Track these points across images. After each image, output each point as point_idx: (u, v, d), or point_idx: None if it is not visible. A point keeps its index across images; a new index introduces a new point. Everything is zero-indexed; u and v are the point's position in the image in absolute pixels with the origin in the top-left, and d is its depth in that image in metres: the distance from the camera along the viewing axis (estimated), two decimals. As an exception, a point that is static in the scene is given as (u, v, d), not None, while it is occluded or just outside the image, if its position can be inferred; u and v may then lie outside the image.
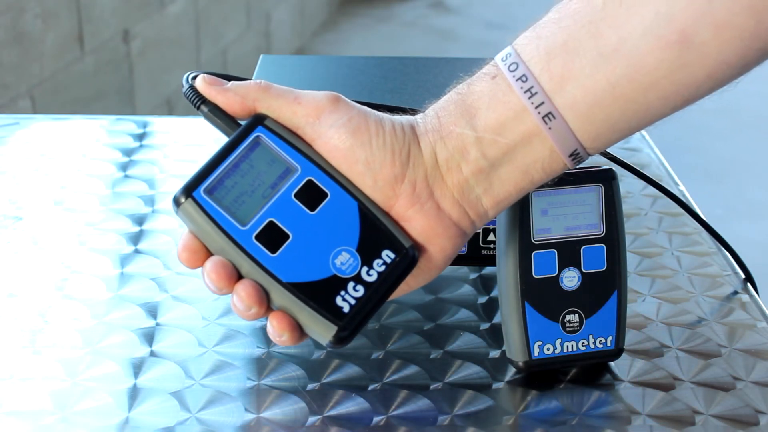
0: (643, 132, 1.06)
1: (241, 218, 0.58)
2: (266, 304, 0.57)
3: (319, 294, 0.57)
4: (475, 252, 0.73)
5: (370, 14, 4.35)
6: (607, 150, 0.70)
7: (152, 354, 0.70)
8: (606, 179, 0.66)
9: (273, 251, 0.58)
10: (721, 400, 0.66)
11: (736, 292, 0.79)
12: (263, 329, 0.73)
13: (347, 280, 0.58)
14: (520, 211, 0.65)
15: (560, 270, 0.66)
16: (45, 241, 0.84)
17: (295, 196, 0.58)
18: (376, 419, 0.64)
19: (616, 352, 0.68)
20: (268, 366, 0.69)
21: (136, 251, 0.83)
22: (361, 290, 0.58)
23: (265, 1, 3.34)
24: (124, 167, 0.97)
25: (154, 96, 2.50)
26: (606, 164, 0.69)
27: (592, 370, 0.69)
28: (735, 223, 2.62)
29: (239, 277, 0.58)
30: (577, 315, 0.66)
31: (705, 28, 0.53)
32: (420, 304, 0.77)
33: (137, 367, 0.69)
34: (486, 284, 0.79)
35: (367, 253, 0.58)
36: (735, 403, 0.66)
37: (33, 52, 1.92)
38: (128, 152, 1.01)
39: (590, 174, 0.66)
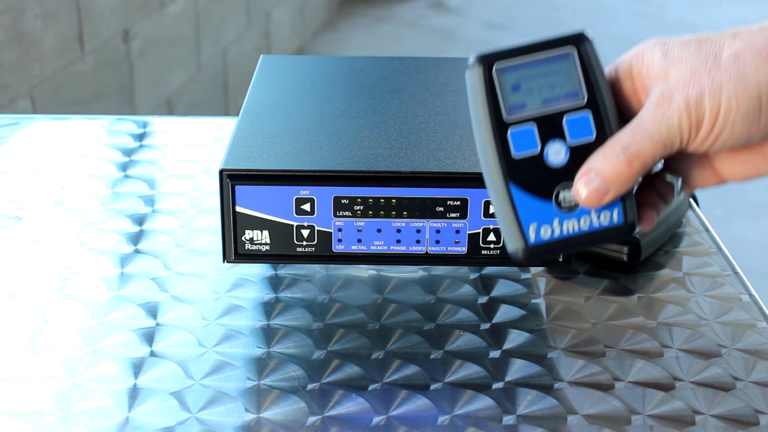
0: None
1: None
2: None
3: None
4: (475, 252, 0.73)
5: (370, 14, 4.35)
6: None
7: (152, 354, 0.70)
8: (577, 41, 0.60)
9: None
10: (721, 400, 0.66)
11: (736, 292, 0.79)
12: (263, 329, 0.73)
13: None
14: (485, 90, 0.60)
15: (543, 145, 0.60)
16: (45, 241, 0.84)
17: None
18: (376, 419, 0.64)
19: (627, 229, 0.59)
20: (268, 366, 0.69)
21: (136, 251, 0.83)
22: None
23: (265, 1, 3.34)
24: (124, 167, 0.97)
25: (154, 96, 2.50)
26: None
27: (592, 370, 0.69)
28: (735, 223, 2.62)
29: None
30: (572, 190, 0.60)
31: None
32: (420, 304, 0.77)
33: (137, 367, 0.69)
34: (486, 284, 0.79)
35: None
36: (735, 403, 0.66)
37: (33, 52, 1.92)
38: (128, 152, 1.01)
39: (558, 40, 0.61)
